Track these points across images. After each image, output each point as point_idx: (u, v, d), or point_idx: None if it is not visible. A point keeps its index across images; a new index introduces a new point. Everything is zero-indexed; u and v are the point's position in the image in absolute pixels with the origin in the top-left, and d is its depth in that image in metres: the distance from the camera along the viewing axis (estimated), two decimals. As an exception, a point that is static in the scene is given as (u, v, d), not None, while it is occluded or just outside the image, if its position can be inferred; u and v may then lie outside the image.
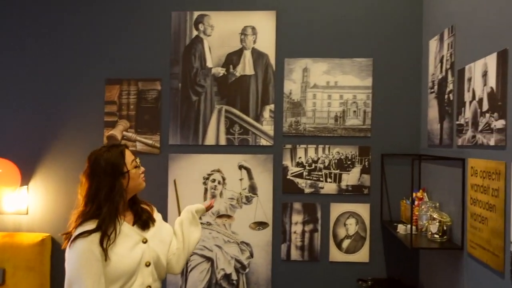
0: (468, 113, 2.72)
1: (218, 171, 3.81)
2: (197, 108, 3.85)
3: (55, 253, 3.83)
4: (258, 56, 3.83)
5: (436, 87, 3.33)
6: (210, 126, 3.84)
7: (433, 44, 3.43)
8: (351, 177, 3.75)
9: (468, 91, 2.72)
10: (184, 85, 3.86)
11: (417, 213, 3.24)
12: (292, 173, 3.78)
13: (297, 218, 3.77)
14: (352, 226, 3.75)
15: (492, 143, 2.39)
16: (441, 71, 3.23)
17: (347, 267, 3.74)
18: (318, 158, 3.77)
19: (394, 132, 3.74)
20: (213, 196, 3.79)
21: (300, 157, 3.78)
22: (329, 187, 3.76)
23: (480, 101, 2.55)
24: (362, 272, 3.71)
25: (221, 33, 3.85)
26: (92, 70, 3.91)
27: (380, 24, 3.77)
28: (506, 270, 2.23)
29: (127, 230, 2.23)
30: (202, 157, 3.82)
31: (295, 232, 3.78)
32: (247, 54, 3.84)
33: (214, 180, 3.81)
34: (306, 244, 3.77)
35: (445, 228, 2.96)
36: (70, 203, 3.80)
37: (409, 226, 3.24)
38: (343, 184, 3.75)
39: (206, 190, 3.81)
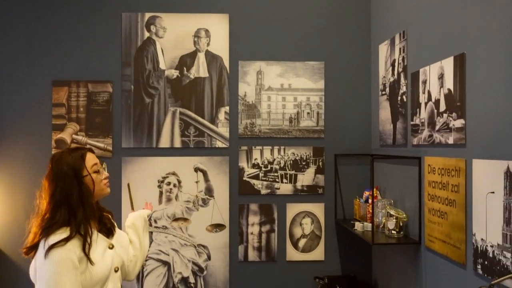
0: (424, 113, 2.85)
1: (173, 174, 3.77)
2: (151, 110, 3.78)
3: None
4: (212, 58, 3.82)
5: (387, 89, 3.47)
6: (164, 128, 3.78)
7: (383, 48, 3.57)
8: (306, 178, 3.83)
9: (424, 92, 2.86)
10: (137, 87, 3.78)
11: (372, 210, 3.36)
12: (248, 175, 3.80)
13: (253, 219, 3.80)
14: (307, 225, 3.82)
15: (450, 141, 2.53)
16: (392, 74, 3.37)
17: (303, 266, 3.81)
18: (274, 159, 3.82)
19: (346, 133, 3.86)
20: (169, 200, 3.75)
21: (256, 159, 3.81)
22: (285, 188, 3.82)
23: (437, 102, 2.68)
24: (318, 270, 3.79)
25: (174, 35, 3.81)
26: (38, 71, 3.74)
27: (330, 28, 3.87)
28: (468, 261, 2.37)
29: (95, 236, 2.17)
30: (157, 160, 3.76)
31: (252, 233, 3.80)
32: (201, 56, 3.82)
33: (169, 183, 3.76)
34: (263, 245, 3.80)
35: (401, 224, 3.10)
36: (16, 211, 3.66)
37: (365, 223, 3.38)
38: (299, 185, 3.82)
39: (161, 193, 3.76)
